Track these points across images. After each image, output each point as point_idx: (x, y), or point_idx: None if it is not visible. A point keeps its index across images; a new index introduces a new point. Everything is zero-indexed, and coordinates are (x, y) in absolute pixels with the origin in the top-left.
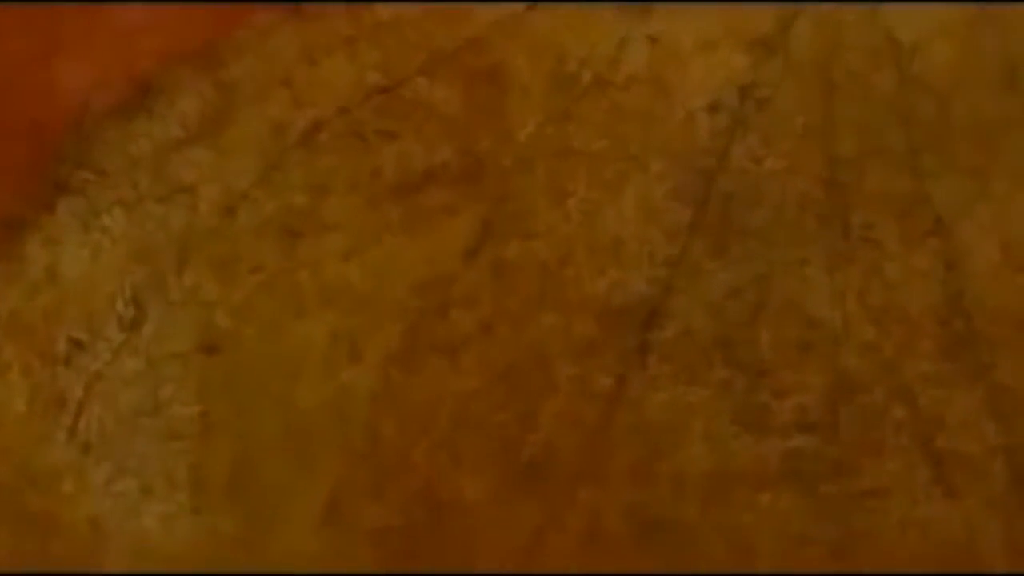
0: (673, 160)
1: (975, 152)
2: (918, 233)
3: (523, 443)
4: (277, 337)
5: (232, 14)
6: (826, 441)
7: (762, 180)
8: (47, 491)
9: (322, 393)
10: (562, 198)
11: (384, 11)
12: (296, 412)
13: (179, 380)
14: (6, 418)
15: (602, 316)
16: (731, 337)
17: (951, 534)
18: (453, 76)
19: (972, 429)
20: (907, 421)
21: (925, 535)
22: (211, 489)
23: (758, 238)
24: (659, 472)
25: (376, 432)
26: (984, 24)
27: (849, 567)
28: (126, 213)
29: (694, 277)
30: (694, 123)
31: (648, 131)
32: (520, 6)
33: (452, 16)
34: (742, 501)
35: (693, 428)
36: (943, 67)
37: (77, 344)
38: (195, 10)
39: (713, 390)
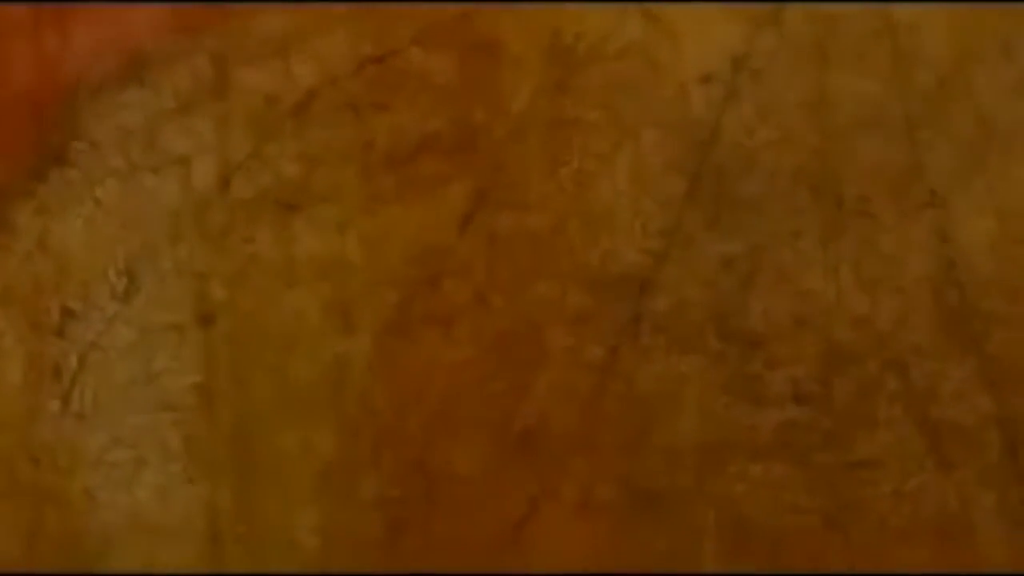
0: (667, 131)
1: (971, 125)
2: (912, 205)
3: (516, 413)
4: (271, 308)
5: None
6: (819, 412)
7: (756, 151)
8: (42, 462)
9: (317, 364)
10: (555, 168)
11: None
12: (291, 383)
13: (173, 351)
14: (1, 389)
15: (595, 286)
16: (724, 308)
17: (944, 504)
18: (447, 47)
19: (965, 400)
20: (900, 392)
21: (918, 505)
22: (205, 460)
23: (751, 209)
24: (652, 442)
25: (371, 403)
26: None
27: (842, 537)
28: (119, 184)
29: (687, 248)
30: (687, 94)
31: (642, 102)
32: None
33: None
34: (735, 471)
35: (686, 399)
36: (939, 42)
37: (71, 314)
38: None
39: (706, 361)
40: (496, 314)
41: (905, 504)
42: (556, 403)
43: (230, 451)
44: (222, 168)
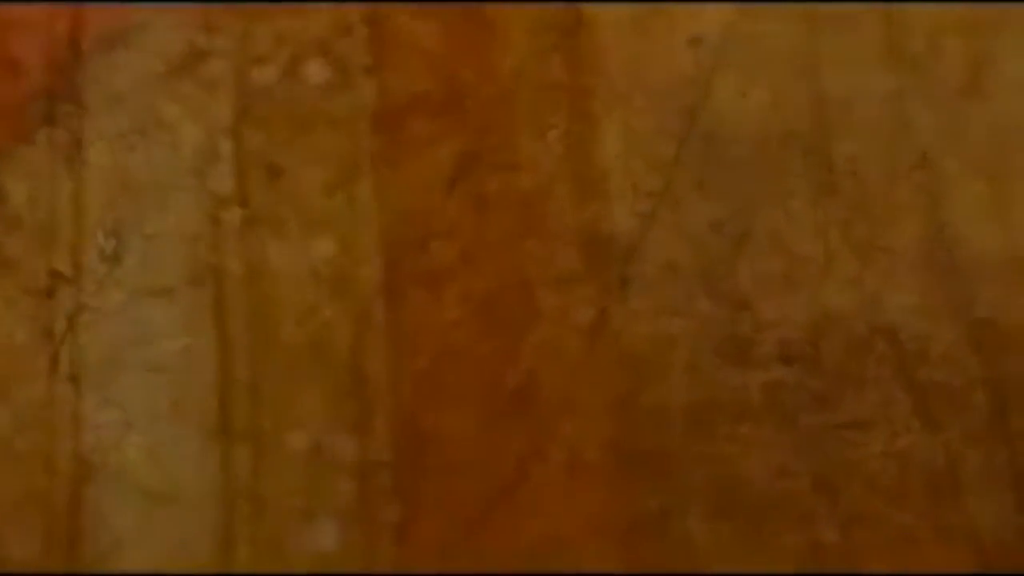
0: (656, 94)
1: (963, 88)
2: (903, 167)
3: (505, 375)
4: (261, 272)
5: None
6: (808, 373)
7: (746, 114)
8: (32, 424)
9: (306, 327)
10: (544, 131)
11: None
12: (280, 346)
13: (163, 313)
14: None
15: (584, 248)
16: (713, 270)
17: (932, 465)
18: (435, 10)
19: (954, 362)
20: (889, 354)
21: (906, 466)
22: (194, 422)
23: (741, 172)
24: (640, 403)
25: (360, 366)
26: None
27: (830, 498)
28: (108, 147)
29: (677, 210)
30: (678, 58)
31: (632, 66)
32: None
33: None
34: (723, 432)
35: (675, 360)
36: (930, 7)
37: (60, 277)
38: None
39: (695, 322)
40: (484, 276)
41: (893, 465)
42: (545, 364)
43: (219, 414)
44: (211, 132)
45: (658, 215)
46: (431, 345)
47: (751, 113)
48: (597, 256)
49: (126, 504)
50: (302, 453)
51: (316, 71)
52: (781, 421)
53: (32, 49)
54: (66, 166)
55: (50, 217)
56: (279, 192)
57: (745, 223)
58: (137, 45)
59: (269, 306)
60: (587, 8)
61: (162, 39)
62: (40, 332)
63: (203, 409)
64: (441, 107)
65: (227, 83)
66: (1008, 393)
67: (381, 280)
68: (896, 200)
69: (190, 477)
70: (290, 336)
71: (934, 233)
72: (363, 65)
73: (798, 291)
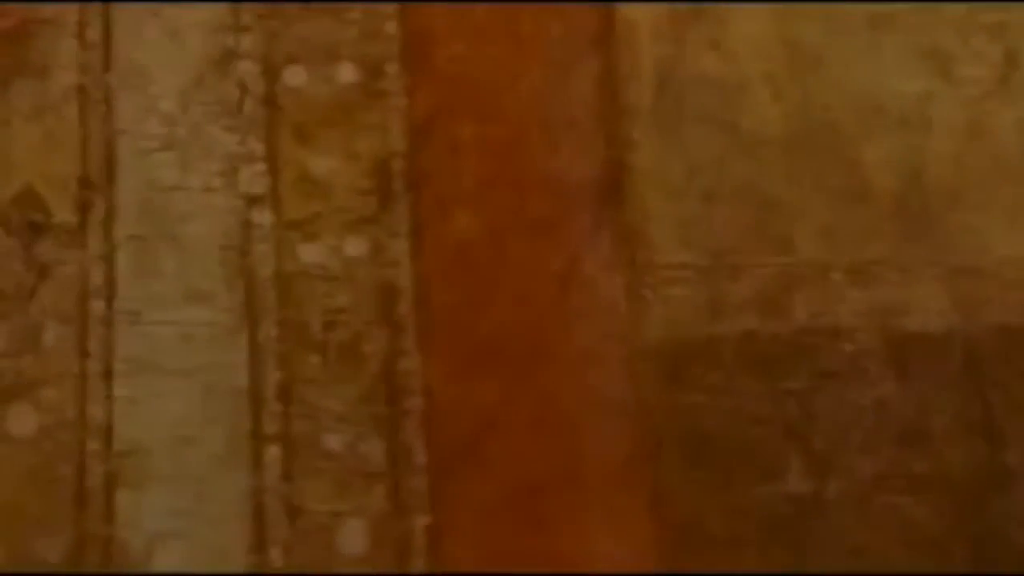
0: (631, 44)
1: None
2: (880, 117)
3: (478, 324)
4: (235, 222)
5: None
6: (782, 323)
7: (720, 63)
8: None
9: (280, 278)
10: (516, 80)
11: None
12: (252, 295)
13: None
14: None
15: (556, 196)
16: (687, 218)
17: (904, 416)
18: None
19: (930, 312)
20: (865, 304)
21: (879, 416)
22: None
23: (716, 120)
24: (612, 352)
25: (332, 316)
26: None
27: (802, 447)
28: (80, 96)
29: (651, 158)
30: (649, 8)
31: (603, 17)
32: None
33: None
34: (696, 381)
35: (648, 309)
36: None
37: (34, 227)
38: None
39: (669, 271)
40: (457, 224)
41: (866, 415)
42: (517, 313)
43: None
44: (183, 80)
45: (631, 163)
46: (404, 295)
47: (725, 62)
48: (569, 203)
49: (158, 506)
50: (276, 405)
51: (347, 72)
52: (754, 371)
53: (62, 51)
54: (37, 115)
55: (22, 167)
56: (311, 193)
57: (720, 171)
58: (168, 46)
59: (241, 257)
60: (620, 9)
61: (193, 40)
62: (72, 335)
63: (235, 412)
64: (412, 56)
65: (197, 30)
66: (981, 345)
67: (355, 229)
68: (872, 147)
69: (222, 479)
70: (263, 287)
71: (910, 181)
72: (394, 66)
73: (772, 239)
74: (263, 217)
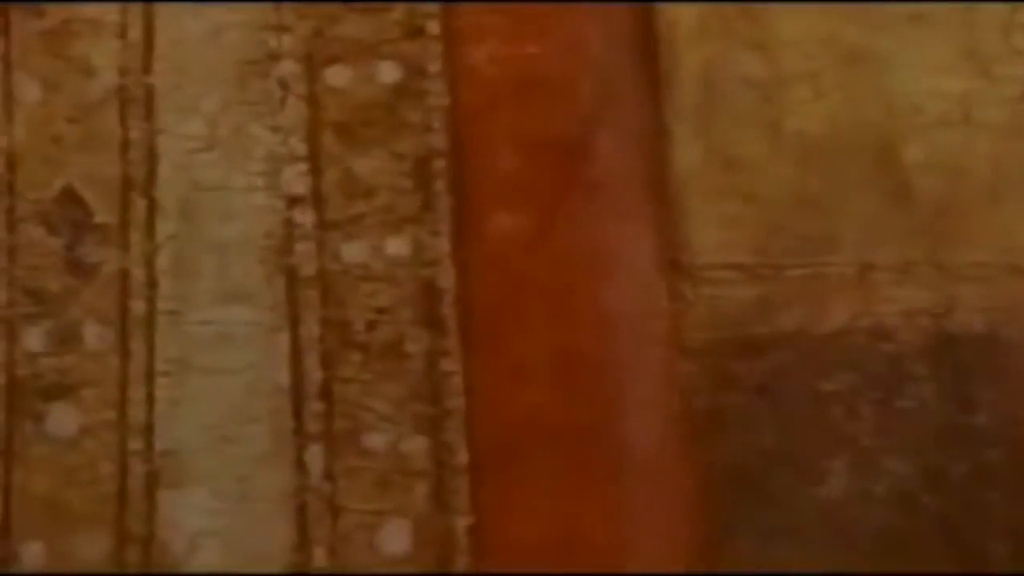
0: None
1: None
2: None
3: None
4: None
5: None
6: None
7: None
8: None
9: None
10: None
11: None
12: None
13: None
14: None
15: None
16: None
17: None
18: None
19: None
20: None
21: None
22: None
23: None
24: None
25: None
26: None
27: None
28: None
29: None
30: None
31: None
32: None
33: None
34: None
35: (618, 267)
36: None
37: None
38: None
39: (638, 227)
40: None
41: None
42: (488, 273)
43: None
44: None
45: (603, 120)
46: None
47: (703, 19)
48: (540, 161)
49: (199, 506)
50: (248, 347)
51: (388, 71)
52: (725, 328)
53: (103, 51)
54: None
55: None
56: (352, 193)
57: (690, 127)
58: (210, 46)
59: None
60: (661, 9)
61: (234, 40)
62: (113, 335)
63: (277, 411)
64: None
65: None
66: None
67: (325, 193)
68: (849, 101)
69: (264, 479)
70: (241, 252)
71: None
72: (436, 65)
73: (752, 201)
74: (305, 217)
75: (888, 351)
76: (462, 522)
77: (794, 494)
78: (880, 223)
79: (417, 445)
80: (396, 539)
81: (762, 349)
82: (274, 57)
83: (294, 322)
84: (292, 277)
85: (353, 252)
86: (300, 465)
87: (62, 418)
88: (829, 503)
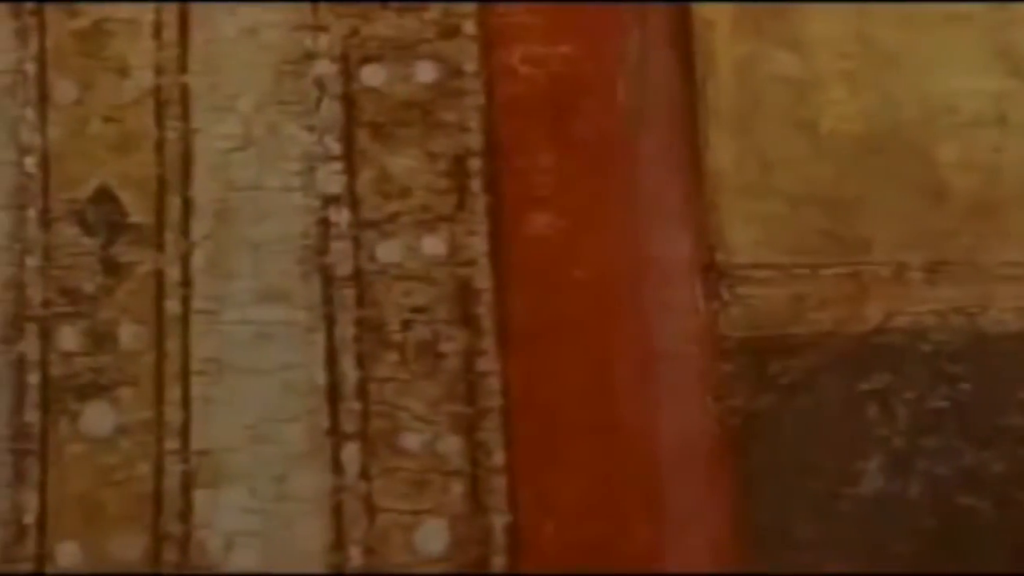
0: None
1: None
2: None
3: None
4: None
5: None
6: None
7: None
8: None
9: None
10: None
11: None
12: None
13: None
14: None
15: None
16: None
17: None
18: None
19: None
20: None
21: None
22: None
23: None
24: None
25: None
26: None
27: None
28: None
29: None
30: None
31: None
32: None
33: None
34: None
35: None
36: None
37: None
38: None
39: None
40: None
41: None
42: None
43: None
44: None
45: None
46: None
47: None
48: None
49: (236, 505)
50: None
51: (425, 71)
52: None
53: (139, 51)
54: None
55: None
56: (388, 193)
57: None
58: (246, 46)
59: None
60: (696, 8)
61: (270, 39)
62: (148, 334)
63: (313, 410)
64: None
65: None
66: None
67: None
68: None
69: (300, 478)
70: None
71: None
72: (472, 65)
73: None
74: (340, 216)
75: (923, 351)
76: (499, 521)
77: (829, 494)
78: (915, 222)
79: (453, 445)
80: (433, 539)
81: (798, 349)
82: (310, 57)
83: (330, 322)
84: (328, 277)
85: (389, 252)
86: (336, 465)
87: (98, 417)
88: (864, 503)
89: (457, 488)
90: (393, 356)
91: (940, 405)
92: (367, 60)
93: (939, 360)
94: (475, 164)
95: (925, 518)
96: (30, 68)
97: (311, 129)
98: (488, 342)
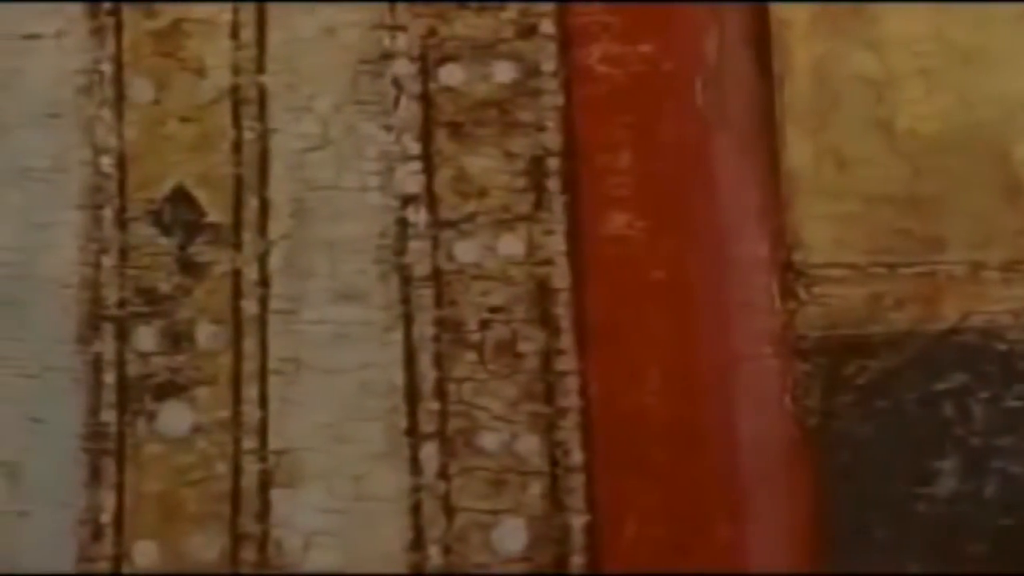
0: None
1: None
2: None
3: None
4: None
5: None
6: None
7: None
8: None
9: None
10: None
11: None
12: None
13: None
14: None
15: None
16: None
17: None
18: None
19: None
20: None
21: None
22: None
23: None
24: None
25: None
26: None
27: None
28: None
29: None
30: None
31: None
32: None
33: None
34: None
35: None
36: None
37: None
38: None
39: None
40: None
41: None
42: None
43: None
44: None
45: None
46: None
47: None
48: None
49: (313, 505)
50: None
51: (503, 71)
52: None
53: (216, 51)
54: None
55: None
56: (466, 192)
57: None
58: (323, 46)
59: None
60: (774, 8)
61: (348, 39)
62: (226, 334)
63: (391, 410)
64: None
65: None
66: None
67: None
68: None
69: (378, 478)
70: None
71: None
72: (550, 64)
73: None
74: (418, 216)
75: (999, 350)
76: (578, 521)
77: (905, 494)
78: (991, 222)
79: (531, 444)
80: (512, 538)
81: (874, 348)
82: (388, 56)
83: (408, 321)
84: (405, 276)
85: (466, 251)
86: (415, 464)
87: (175, 417)
88: (940, 503)
89: (535, 488)
90: (471, 356)
91: (1016, 404)
92: (445, 60)
93: (1014, 359)
94: (553, 164)
95: (1001, 517)
96: (107, 68)
97: (389, 129)
98: (566, 341)
